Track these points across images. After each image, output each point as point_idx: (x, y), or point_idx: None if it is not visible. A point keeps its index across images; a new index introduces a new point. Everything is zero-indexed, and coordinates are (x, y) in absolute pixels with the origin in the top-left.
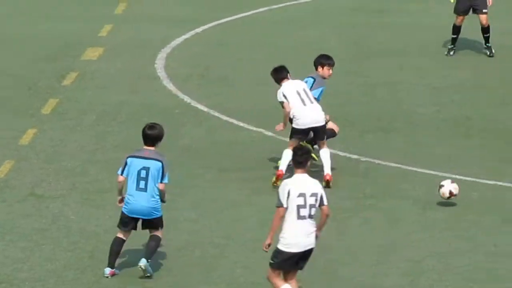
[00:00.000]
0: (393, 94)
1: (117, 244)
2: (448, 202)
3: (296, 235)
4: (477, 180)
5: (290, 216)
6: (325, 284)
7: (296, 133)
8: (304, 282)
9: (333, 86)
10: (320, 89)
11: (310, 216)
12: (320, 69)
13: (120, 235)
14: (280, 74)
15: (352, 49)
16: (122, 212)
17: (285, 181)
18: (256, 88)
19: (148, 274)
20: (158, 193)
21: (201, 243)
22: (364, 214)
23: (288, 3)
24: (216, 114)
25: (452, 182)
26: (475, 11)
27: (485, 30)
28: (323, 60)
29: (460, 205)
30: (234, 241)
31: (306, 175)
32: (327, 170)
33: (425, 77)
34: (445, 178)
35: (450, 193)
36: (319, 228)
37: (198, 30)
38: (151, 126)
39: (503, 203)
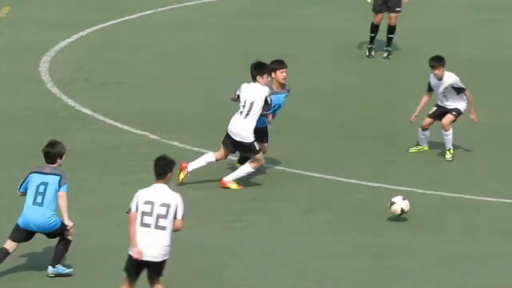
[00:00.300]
0: None
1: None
2: (331, 204)
3: (139, 241)
4: (361, 182)
5: (136, 222)
6: (209, 287)
7: (226, 137)
8: (187, 285)
9: (220, 89)
10: (274, 96)
11: (158, 227)
12: (273, 75)
13: (7, 246)
14: (259, 71)
15: (240, 52)
16: (17, 223)
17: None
18: (141, 91)
19: (60, 273)
20: (54, 209)
21: (86, 247)
22: (248, 217)
23: (174, 6)
24: (101, 117)
25: (404, 199)
26: (388, 8)
27: (391, 30)
28: (276, 65)
29: (343, 207)
30: (114, 246)
31: (163, 186)
32: (227, 177)
33: (311, 80)
34: (330, 180)
35: (402, 210)
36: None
37: (83, 33)
38: (51, 143)
39: (387, 205)
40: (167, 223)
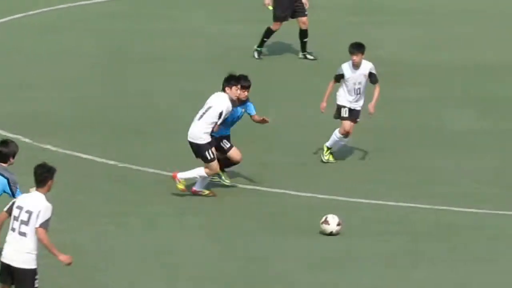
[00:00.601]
0: (150, 100)
1: None
2: (205, 206)
3: (5, 244)
4: (237, 184)
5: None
6: None
7: None
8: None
9: (91, 92)
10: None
11: (21, 233)
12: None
13: None
14: (226, 82)
15: (111, 55)
16: None
17: None
18: (13, 94)
19: None
20: None
21: None
22: (122, 220)
23: (44, 9)
24: None
25: (338, 225)
26: (297, 14)
27: (305, 34)
28: (241, 82)
29: (217, 210)
30: None
31: (39, 194)
32: (180, 174)
33: (182, 83)
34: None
35: (331, 233)
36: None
37: None
38: (4, 142)
39: (260, 208)
40: (28, 230)
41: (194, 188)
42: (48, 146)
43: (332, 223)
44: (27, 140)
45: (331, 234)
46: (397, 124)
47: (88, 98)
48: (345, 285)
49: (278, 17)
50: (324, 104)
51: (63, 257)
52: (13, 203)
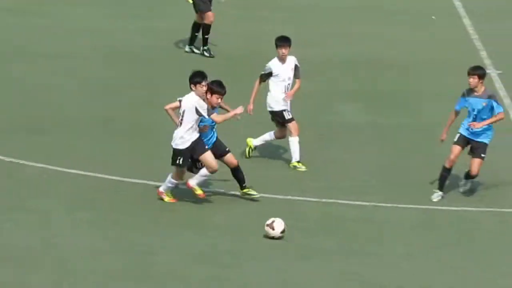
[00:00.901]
0: (43, 95)
1: None
2: (95, 201)
3: None
4: (124, 179)
5: None
6: None
7: None
8: None
9: None
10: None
11: None
12: (209, 96)
13: None
14: (190, 80)
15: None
16: None
17: None
18: None
19: None
20: None
21: None
22: (13, 215)
23: None
24: None
25: (282, 231)
26: (208, 7)
27: (208, 29)
28: (214, 87)
29: (107, 204)
30: None
31: None
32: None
33: (79, 79)
34: (93, 177)
35: (272, 237)
36: None
37: None
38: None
39: (137, 200)
40: None
41: (189, 183)
42: None
43: (277, 229)
44: None
45: (273, 238)
46: None
47: None
48: (235, 279)
49: (204, 9)
50: (251, 106)
51: None
52: None
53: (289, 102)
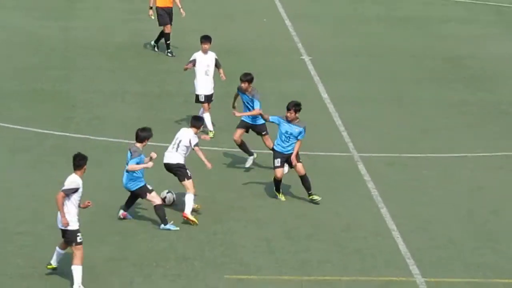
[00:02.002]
0: None
1: None
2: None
3: None
4: (48, 131)
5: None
6: None
7: None
8: None
9: None
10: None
11: None
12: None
13: None
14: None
15: None
16: None
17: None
18: None
19: None
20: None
21: None
22: None
23: None
24: None
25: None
26: (166, 22)
27: (168, 37)
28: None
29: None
30: None
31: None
32: (187, 211)
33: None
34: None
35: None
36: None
37: None
38: (144, 129)
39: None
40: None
41: (185, 214)
42: None
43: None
44: None
45: (168, 203)
46: (162, 90)
47: None
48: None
49: (162, 23)
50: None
51: (65, 221)
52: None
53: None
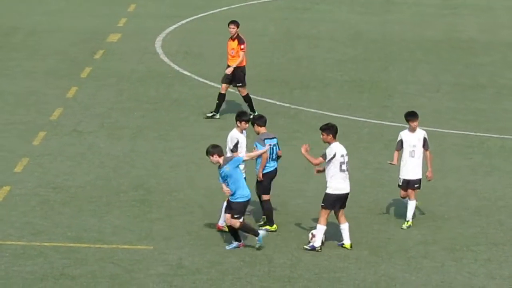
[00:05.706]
0: None
1: None
2: None
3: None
4: None
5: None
6: None
7: None
8: None
9: None
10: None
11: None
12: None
13: None
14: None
15: None
16: None
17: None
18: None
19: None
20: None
21: None
22: None
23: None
24: (195, 77)
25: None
26: None
27: None
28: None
29: None
30: None
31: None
32: (221, 222)
33: None
34: None
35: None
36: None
37: (183, 22)
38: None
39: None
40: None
41: (219, 225)
42: None
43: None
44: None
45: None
46: (474, 82)
47: None
48: None
49: None
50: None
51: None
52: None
53: None
